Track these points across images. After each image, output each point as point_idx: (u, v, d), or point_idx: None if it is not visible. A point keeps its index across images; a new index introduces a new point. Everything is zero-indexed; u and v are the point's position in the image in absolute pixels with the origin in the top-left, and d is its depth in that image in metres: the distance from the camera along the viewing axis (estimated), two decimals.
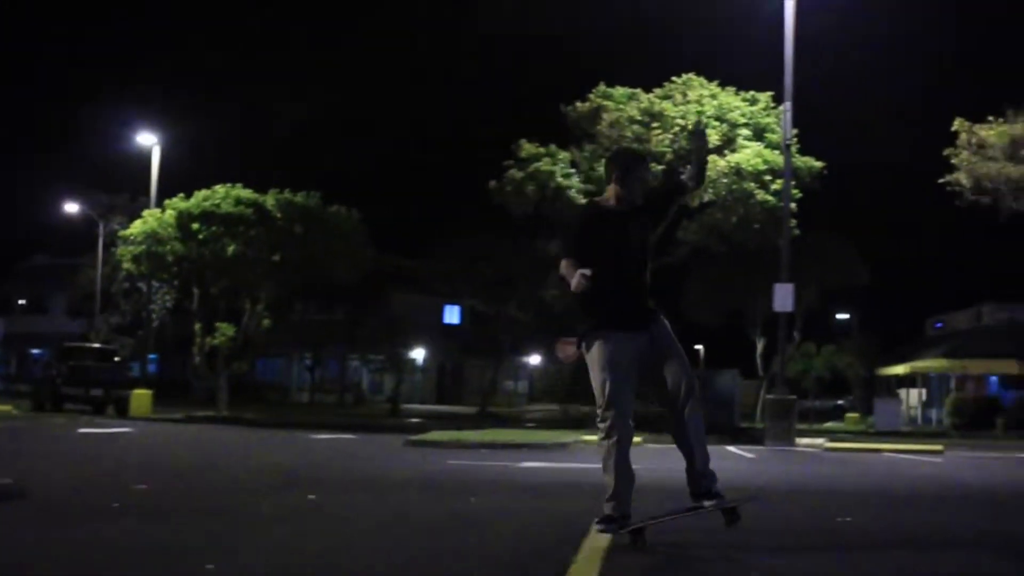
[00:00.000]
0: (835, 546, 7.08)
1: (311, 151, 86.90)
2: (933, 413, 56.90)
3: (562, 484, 12.10)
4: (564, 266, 6.80)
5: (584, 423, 33.27)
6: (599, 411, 6.75)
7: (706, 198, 30.90)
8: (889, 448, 25.57)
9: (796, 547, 6.98)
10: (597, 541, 6.81)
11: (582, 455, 19.04)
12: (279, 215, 36.66)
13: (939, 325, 65.44)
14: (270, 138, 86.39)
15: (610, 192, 7.11)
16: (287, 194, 37.45)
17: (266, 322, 38.86)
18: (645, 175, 7.13)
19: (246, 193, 36.85)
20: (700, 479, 6.88)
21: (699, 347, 73.06)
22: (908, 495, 11.92)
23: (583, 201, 31.67)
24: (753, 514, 9.32)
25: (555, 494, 10.85)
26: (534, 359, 67.10)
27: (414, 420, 36.61)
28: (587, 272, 6.52)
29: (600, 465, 6.82)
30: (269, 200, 36.91)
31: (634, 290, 6.92)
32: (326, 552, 6.46)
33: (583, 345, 6.89)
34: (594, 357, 6.78)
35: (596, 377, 6.75)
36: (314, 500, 9.36)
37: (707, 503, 6.83)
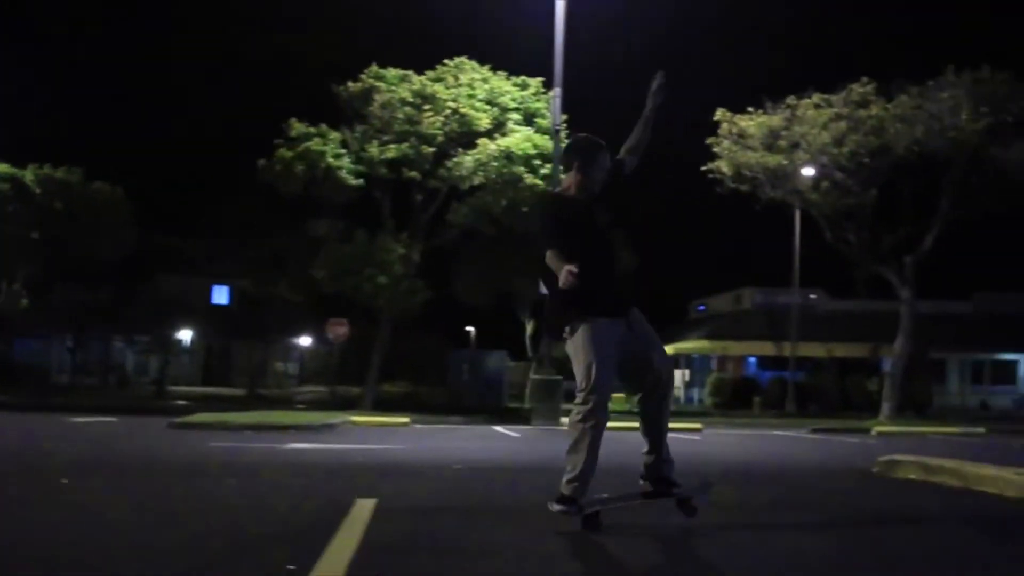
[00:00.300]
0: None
1: (74, 125, 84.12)
2: (695, 393, 58.84)
3: (327, 465, 12.04)
4: (550, 257, 6.74)
5: (354, 404, 33.22)
6: (580, 394, 6.72)
7: (476, 181, 31.15)
8: None
9: (555, 519, 7.10)
10: (357, 521, 6.80)
11: (349, 436, 19.01)
12: (38, 191, 35.46)
13: (702, 308, 67.53)
14: (30, 111, 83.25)
15: (569, 181, 7.08)
16: (47, 169, 36.24)
17: (24, 302, 37.53)
18: (605, 162, 7.08)
19: (2, 167, 35.50)
20: (662, 464, 7.05)
21: (470, 329, 73.61)
22: None
23: (354, 182, 31.56)
24: (506, 489, 9.48)
25: (319, 475, 10.78)
26: (304, 340, 66.53)
27: (180, 402, 35.82)
28: (574, 269, 6.45)
29: (568, 444, 6.84)
30: (28, 175, 35.67)
31: (609, 278, 6.92)
32: (70, 537, 6.28)
33: (567, 331, 6.86)
34: (579, 343, 6.78)
35: (581, 362, 6.73)
36: (67, 484, 9.10)
37: (675, 490, 7.07)
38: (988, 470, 9.69)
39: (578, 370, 6.76)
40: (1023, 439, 24.36)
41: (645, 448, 7.10)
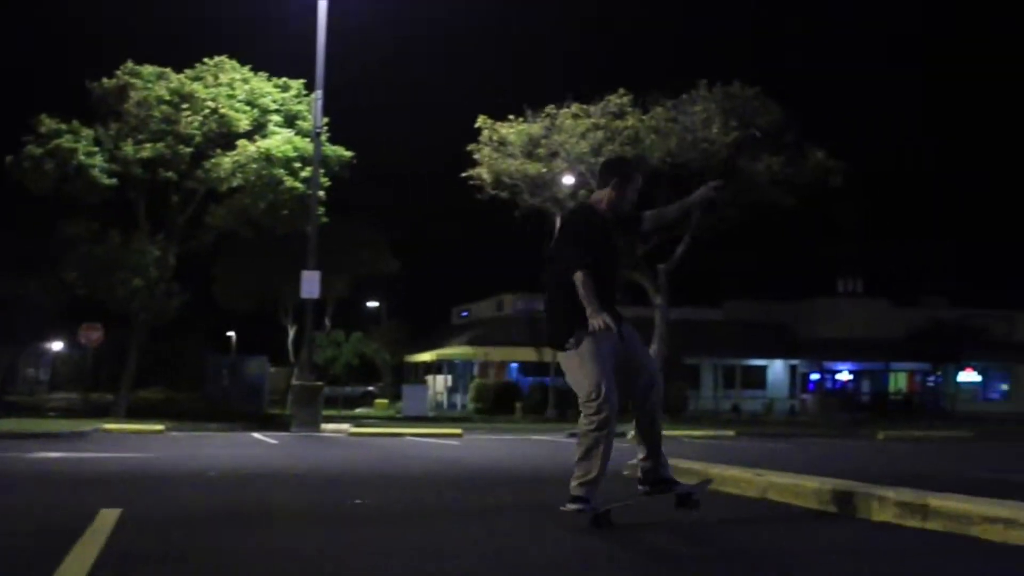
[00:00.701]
0: (346, 523, 7.17)
1: None
2: (458, 398, 59.21)
3: (74, 475, 11.65)
4: (581, 280, 6.86)
5: (108, 411, 32.28)
6: (590, 404, 6.91)
7: (235, 183, 30.70)
8: (412, 432, 26.37)
9: (306, 525, 7.02)
10: (99, 532, 6.58)
11: (101, 444, 18.45)
12: None
13: (465, 314, 68.08)
14: None
15: (602, 195, 7.30)
16: None
17: None
18: (638, 183, 7.38)
19: None
20: (659, 468, 7.36)
21: (231, 333, 72.42)
22: (419, 476, 12.28)
23: (107, 181, 30.63)
24: (257, 496, 9.33)
25: (65, 485, 10.43)
26: (57, 345, 64.41)
27: None
28: (613, 326, 6.78)
29: (579, 453, 6.98)
30: None
31: (612, 292, 7.18)
32: None
33: (571, 341, 7.02)
34: (584, 353, 6.96)
35: (587, 372, 6.94)
36: None
37: (676, 487, 7.41)
38: (732, 471, 10.00)
39: (584, 380, 6.98)
40: (769, 441, 25.34)
41: (642, 454, 7.42)
